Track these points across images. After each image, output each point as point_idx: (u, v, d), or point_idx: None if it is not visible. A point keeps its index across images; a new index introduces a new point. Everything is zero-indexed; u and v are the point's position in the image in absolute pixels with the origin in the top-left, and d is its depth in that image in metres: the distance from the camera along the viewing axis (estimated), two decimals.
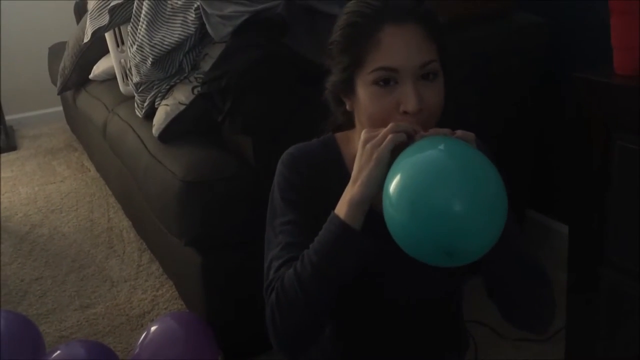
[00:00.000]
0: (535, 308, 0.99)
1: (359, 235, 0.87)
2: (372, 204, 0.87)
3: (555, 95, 1.95)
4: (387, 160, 0.84)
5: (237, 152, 1.65)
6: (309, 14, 1.59)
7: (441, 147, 0.83)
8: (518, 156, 1.94)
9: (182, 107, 1.74)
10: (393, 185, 0.80)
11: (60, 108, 3.71)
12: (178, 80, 1.80)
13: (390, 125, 0.86)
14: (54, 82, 3.19)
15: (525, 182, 2.02)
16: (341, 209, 0.87)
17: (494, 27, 1.77)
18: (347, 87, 0.95)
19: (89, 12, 2.20)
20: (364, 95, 0.91)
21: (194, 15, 1.68)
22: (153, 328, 1.59)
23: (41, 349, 1.65)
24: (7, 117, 3.93)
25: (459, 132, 0.86)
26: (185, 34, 1.71)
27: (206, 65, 1.73)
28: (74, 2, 3.51)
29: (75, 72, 2.79)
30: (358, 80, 0.92)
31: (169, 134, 1.79)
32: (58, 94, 3.18)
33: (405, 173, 0.80)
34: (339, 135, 1.05)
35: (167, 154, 1.75)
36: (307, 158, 1.01)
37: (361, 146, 0.87)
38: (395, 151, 0.84)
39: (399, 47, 0.88)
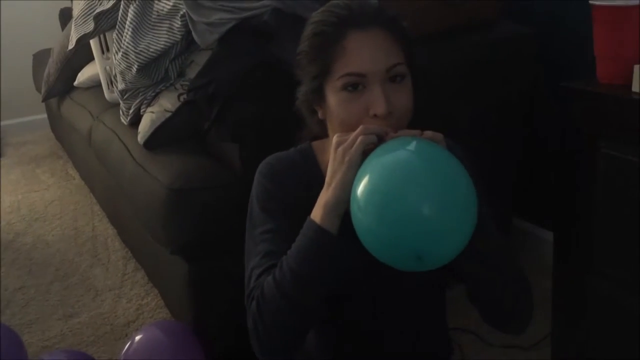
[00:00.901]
0: (514, 309, 0.99)
1: (336, 239, 0.87)
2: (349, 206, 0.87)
3: (541, 103, 1.96)
4: (358, 162, 0.85)
5: (223, 159, 1.64)
6: (295, 21, 1.59)
7: (409, 147, 0.82)
8: (504, 164, 1.95)
9: (167, 115, 1.73)
10: (361, 188, 0.80)
11: (45, 115, 3.68)
12: (164, 88, 1.79)
13: (360, 128, 0.87)
14: (39, 89, 3.17)
15: (511, 190, 2.03)
16: (317, 214, 0.88)
17: (480, 36, 1.78)
18: (318, 95, 0.96)
19: (73, 19, 2.19)
20: (334, 102, 0.93)
21: (180, 23, 1.68)
22: (138, 337, 1.58)
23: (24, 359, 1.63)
24: None
25: (427, 133, 0.87)
26: (171, 41, 1.70)
27: (192, 72, 1.72)
28: (59, 8, 3.49)
29: (59, 79, 2.77)
30: (327, 88, 0.94)
31: (155, 141, 1.78)
32: (42, 101, 3.16)
33: (373, 175, 0.80)
34: (315, 144, 1.06)
35: (153, 161, 1.74)
36: (285, 167, 1.02)
37: (333, 150, 0.88)
38: (367, 153, 0.85)
39: (365, 52, 0.90)
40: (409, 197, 0.76)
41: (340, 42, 0.91)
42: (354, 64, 0.90)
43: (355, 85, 0.91)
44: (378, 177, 0.79)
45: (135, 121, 1.90)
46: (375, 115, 0.90)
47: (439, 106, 1.73)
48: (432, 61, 1.70)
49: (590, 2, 1.27)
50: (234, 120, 1.50)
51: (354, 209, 0.80)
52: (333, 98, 0.93)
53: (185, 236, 1.56)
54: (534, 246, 2.11)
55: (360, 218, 0.79)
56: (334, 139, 0.89)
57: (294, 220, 0.93)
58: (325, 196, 0.87)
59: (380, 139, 0.86)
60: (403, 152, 0.82)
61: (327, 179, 0.88)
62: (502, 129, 1.89)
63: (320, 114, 0.99)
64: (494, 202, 2.02)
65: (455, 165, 0.80)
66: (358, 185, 0.80)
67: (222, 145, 1.62)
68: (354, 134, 0.87)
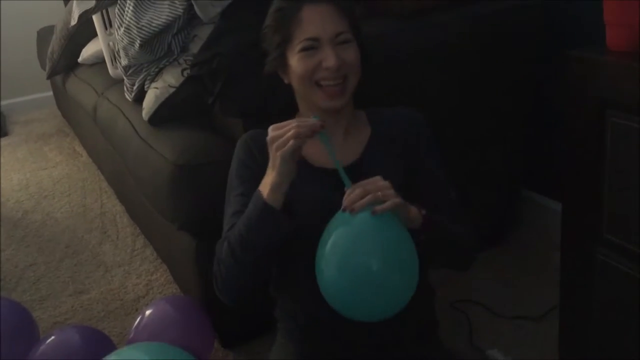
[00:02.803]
0: (461, 260, 1.24)
1: (279, 213, 1.04)
2: (317, 161, 1.16)
3: (549, 73, 1.94)
4: (290, 158, 1.02)
5: (227, 134, 1.64)
6: None
7: (363, 225, 0.99)
8: (512, 135, 1.93)
9: (171, 90, 1.72)
10: (325, 258, 0.99)
11: (51, 93, 3.68)
12: (167, 63, 1.78)
13: (295, 124, 1.01)
14: (44, 67, 3.16)
15: (520, 161, 2.01)
16: (264, 189, 1.05)
17: (488, 5, 1.75)
18: (282, 62, 1.18)
19: None
20: (294, 62, 1.15)
21: None
22: (148, 312, 1.59)
23: (35, 335, 1.65)
24: None
25: (386, 205, 0.99)
26: (173, 15, 1.68)
27: (195, 47, 1.70)
28: None
29: (63, 56, 2.76)
30: (289, 54, 1.16)
31: (159, 117, 1.77)
32: (47, 79, 3.15)
33: (335, 249, 0.98)
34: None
35: (158, 137, 1.73)
36: (257, 142, 1.19)
37: (269, 144, 1.04)
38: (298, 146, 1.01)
39: (318, 21, 1.12)
40: (362, 264, 0.97)
41: (297, 15, 1.13)
42: (310, 30, 1.12)
43: (311, 47, 1.13)
44: (340, 250, 0.98)
45: (140, 97, 1.89)
46: (327, 69, 1.12)
47: (443, 78, 1.71)
48: (436, 32, 1.68)
49: None
50: (238, 95, 1.49)
51: (320, 267, 1.00)
52: (293, 59, 1.15)
53: (191, 212, 1.56)
54: (542, 217, 2.10)
55: (326, 277, 0.99)
56: (269, 131, 1.04)
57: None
58: (270, 178, 1.05)
59: (314, 132, 1.02)
60: (357, 229, 0.99)
61: (270, 163, 1.05)
62: (510, 98, 1.86)
63: (285, 80, 1.21)
64: (502, 174, 2.02)
65: (402, 238, 1.00)
66: (323, 254, 0.99)
67: (227, 120, 1.61)
68: (286, 129, 1.01)
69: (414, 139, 1.23)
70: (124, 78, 1.96)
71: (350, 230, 0.99)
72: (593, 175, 1.31)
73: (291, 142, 1.00)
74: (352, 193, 0.99)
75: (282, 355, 1.25)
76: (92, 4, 2.00)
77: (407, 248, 1.00)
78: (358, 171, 1.15)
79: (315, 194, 1.12)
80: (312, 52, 1.12)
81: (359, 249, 0.98)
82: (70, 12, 2.42)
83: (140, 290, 2.03)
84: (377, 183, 1.01)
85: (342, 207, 1.00)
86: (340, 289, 0.98)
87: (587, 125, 1.30)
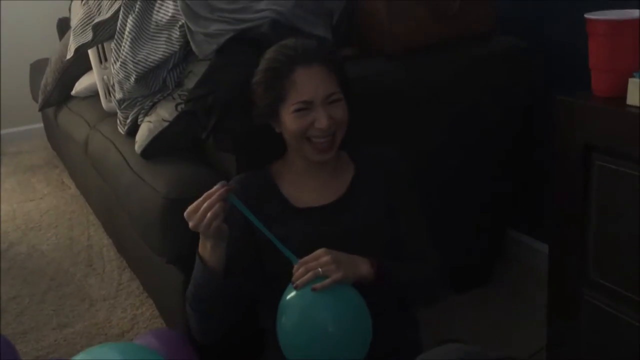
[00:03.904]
0: (419, 299, 1.31)
1: (219, 275, 1.16)
2: (301, 202, 1.27)
3: (536, 116, 1.98)
4: (219, 234, 1.14)
5: (220, 168, 1.65)
6: (293, 34, 1.60)
7: (306, 301, 1.10)
8: (499, 176, 1.96)
9: (165, 124, 1.74)
10: (284, 327, 1.10)
11: (41, 124, 3.68)
12: (161, 97, 1.80)
13: (206, 205, 1.11)
14: (35, 99, 3.17)
15: (506, 202, 2.04)
16: (204, 252, 1.17)
17: (474, 49, 1.79)
18: (274, 116, 1.26)
19: (72, 29, 2.20)
20: (288, 120, 1.23)
21: (178, 33, 1.69)
22: None
23: None
24: None
25: (325, 282, 1.08)
26: (170, 51, 1.71)
27: (190, 83, 1.73)
28: (57, 18, 3.50)
29: (57, 89, 2.78)
30: (282, 111, 1.23)
31: (152, 150, 1.78)
32: (39, 110, 3.16)
33: (293, 317, 1.11)
34: (273, 167, 1.35)
35: (150, 171, 1.74)
36: (246, 188, 1.28)
37: (192, 228, 1.13)
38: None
39: (311, 85, 1.20)
40: (308, 329, 1.08)
41: (290, 77, 1.20)
42: (303, 94, 1.19)
43: (304, 109, 1.20)
44: (289, 318, 1.11)
45: (133, 131, 1.90)
46: (319, 129, 1.20)
47: (432, 118, 1.74)
48: (426, 73, 1.72)
49: (585, 15, 1.28)
50: (231, 130, 1.51)
51: (277, 329, 1.12)
52: (287, 117, 1.23)
53: (181, 246, 1.55)
54: (529, 258, 2.11)
55: (281, 340, 1.11)
56: (186, 217, 1.13)
57: (250, 229, 1.20)
58: (206, 243, 1.15)
59: (225, 200, 1.11)
60: (302, 302, 1.10)
61: (201, 234, 1.15)
62: (497, 140, 1.90)
63: (276, 129, 1.28)
64: (489, 214, 2.03)
65: (343, 304, 1.10)
66: (279, 320, 1.11)
67: (219, 154, 1.62)
68: (202, 212, 1.10)
69: (393, 176, 1.33)
70: (118, 111, 1.98)
71: (296, 302, 1.11)
72: (579, 218, 1.33)
73: (214, 224, 1.10)
74: (297, 270, 1.10)
75: None
76: (89, 37, 2.03)
77: (352, 313, 1.10)
78: (344, 207, 1.28)
79: (299, 234, 1.18)
80: (305, 113, 1.20)
81: (303, 318, 1.09)
82: (65, 46, 2.44)
83: (125, 325, 2.01)
84: (320, 259, 1.10)
85: (292, 281, 1.11)
86: (293, 352, 1.11)
87: (573, 168, 1.32)
